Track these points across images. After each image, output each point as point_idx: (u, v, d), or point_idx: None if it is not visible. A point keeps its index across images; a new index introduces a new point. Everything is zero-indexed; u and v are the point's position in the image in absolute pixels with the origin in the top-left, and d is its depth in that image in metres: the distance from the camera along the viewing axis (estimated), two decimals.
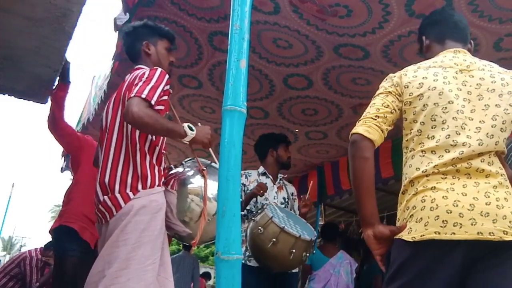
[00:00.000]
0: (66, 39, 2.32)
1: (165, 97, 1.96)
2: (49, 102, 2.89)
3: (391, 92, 1.53)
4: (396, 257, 1.38)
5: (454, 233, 1.26)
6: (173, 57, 2.23)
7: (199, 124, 2.01)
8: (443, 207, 1.30)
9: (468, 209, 1.28)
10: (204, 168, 2.06)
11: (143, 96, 1.79)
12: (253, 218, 2.75)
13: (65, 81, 2.78)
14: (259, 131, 4.63)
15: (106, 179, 1.88)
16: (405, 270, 1.34)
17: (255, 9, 2.71)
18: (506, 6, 2.56)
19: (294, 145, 4.92)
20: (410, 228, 1.34)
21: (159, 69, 1.95)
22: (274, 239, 2.51)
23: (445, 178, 1.35)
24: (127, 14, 2.65)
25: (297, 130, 4.58)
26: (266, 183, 3.09)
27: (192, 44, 3.23)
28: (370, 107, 1.52)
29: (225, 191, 1.63)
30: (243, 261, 2.87)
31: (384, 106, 1.50)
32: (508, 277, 1.28)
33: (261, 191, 2.89)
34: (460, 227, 1.26)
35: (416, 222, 1.33)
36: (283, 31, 2.98)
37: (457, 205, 1.29)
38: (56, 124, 2.83)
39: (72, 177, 3.02)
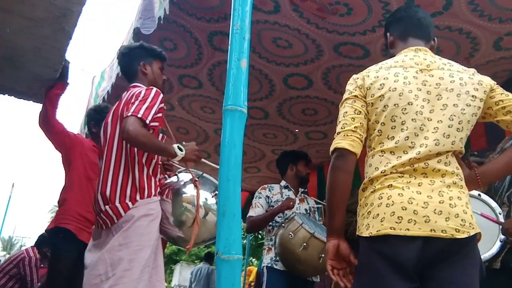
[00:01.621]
0: (66, 39, 2.32)
1: (160, 114, 2.10)
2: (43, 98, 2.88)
3: (357, 96, 1.53)
4: (359, 254, 1.42)
5: (408, 229, 1.30)
6: (165, 75, 2.39)
7: (184, 142, 2.13)
8: (399, 203, 1.33)
9: (422, 207, 1.32)
10: (197, 179, 2.19)
11: (139, 115, 1.93)
12: (283, 225, 2.89)
13: (63, 80, 2.78)
14: (259, 131, 4.64)
15: (107, 191, 2.01)
16: (365, 266, 1.38)
17: (255, 9, 2.71)
18: (506, 6, 2.56)
19: (294, 146, 4.92)
20: (368, 224, 1.38)
21: (154, 89, 2.09)
22: (304, 244, 2.65)
23: (402, 176, 1.39)
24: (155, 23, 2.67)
25: (297, 130, 4.58)
26: (288, 195, 3.24)
27: (192, 44, 3.23)
28: (344, 116, 1.51)
29: (225, 191, 1.63)
30: (269, 265, 3.03)
31: (357, 114, 1.50)
32: (462, 274, 1.32)
33: (291, 203, 3.05)
34: (414, 224, 1.30)
35: (373, 218, 1.36)
36: (283, 30, 2.98)
37: (411, 202, 1.33)
38: (47, 121, 2.85)
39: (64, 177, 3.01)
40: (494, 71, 3.23)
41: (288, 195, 3.23)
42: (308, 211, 3.29)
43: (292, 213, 3.00)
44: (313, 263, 2.67)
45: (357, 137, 1.46)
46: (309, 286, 3.09)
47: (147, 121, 1.94)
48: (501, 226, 2.10)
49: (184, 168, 2.32)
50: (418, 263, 1.31)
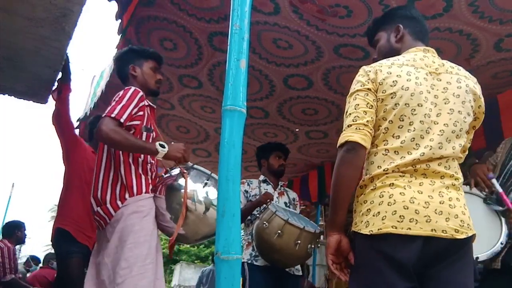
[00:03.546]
0: (66, 39, 2.32)
1: (141, 113, 2.11)
2: (51, 101, 2.94)
3: (370, 90, 1.50)
4: (356, 250, 1.42)
5: (410, 229, 1.31)
6: (159, 75, 2.37)
7: (173, 142, 2.15)
8: (400, 202, 1.34)
9: (424, 207, 1.33)
10: (185, 171, 2.19)
11: (113, 115, 1.96)
12: (258, 216, 2.85)
13: (66, 80, 2.81)
14: (259, 130, 4.64)
15: (99, 194, 2.07)
16: (363, 263, 1.38)
17: (255, 10, 2.71)
18: (506, 7, 2.56)
19: (294, 145, 4.92)
20: (368, 221, 1.37)
21: (132, 89, 2.10)
22: (279, 231, 2.59)
23: (403, 176, 1.39)
24: (119, 20, 2.68)
25: (297, 130, 4.58)
26: (267, 189, 3.21)
27: (192, 44, 3.23)
28: (355, 109, 1.48)
29: (225, 191, 1.62)
30: (249, 261, 2.94)
31: (369, 107, 1.47)
32: (460, 274, 1.33)
33: (268, 200, 2.99)
34: (416, 223, 1.31)
35: (374, 216, 1.36)
36: (283, 32, 2.98)
37: (413, 202, 1.33)
38: (60, 120, 2.91)
39: (63, 177, 3.06)
40: (495, 72, 3.23)
41: (267, 190, 3.20)
42: (288, 204, 3.24)
43: (269, 203, 2.95)
44: (290, 251, 2.60)
45: (369, 132, 1.44)
46: (293, 280, 3.05)
47: (122, 120, 1.96)
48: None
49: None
50: (417, 263, 1.31)
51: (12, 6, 2.06)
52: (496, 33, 2.80)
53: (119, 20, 2.72)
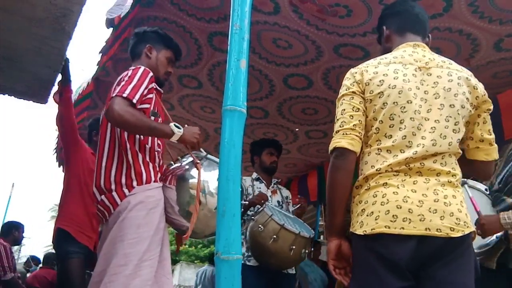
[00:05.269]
0: (66, 39, 2.31)
1: (150, 95, 1.98)
2: (51, 101, 2.94)
3: (355, 92, 1.50)
4: (353, 251, 1.43)
5: (403, 228, 1.30)
6: (171, 68, 2.26)
7: (186, 125, 2.02)
8: (393, 202, 1.33)
9: (417, 205, 1.32)
10: (198, 162, 2.04)
11: (124, 95, 1.82)
12: (252, 217, 2.81)
13: (66, 82, 2.81)
14: (259, 130, 4.64)
15: (102, 183, 1.93)
16: (360, 264, 1.39)
17: (255, 9, 2.71)
18: (506, 7, 2.56)
19: (294, 144, 4.92)
20: (362, 221, 1.37)
21: (142, 68, 1.97)
22: (274, 236, 2.57)
23: (397, 175, 1.39)
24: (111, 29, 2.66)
25: (297, 129, 4.59)
26: (260, 188, 3.18)
27: (192, 44, 3.23)
28: (342, 114, 1.48)
29: (225, 191, 1.63)
30: (242, 261, 2.92)
31: (355, 111, 1.47)
32: (457, 274, 1.32)
33: (262, 201, 2.97)
34: (409, 223, 1.30)
35: (368, 216, 1.36)
36: (283, 31, 2.98)
37: (406, 201, 1.33)
38: (64, 120, 2.91)
39: (63, 178, 3.07)
40: (495, 72, 3.24)
41: (260, 188, 3.17)
42: (281, 203, 3.22)
43: (263, 204, 2.92)
44: (285, 255, 2.60)
45: (356, 135, 1.45)
46: (287, 280, 3.03)
47: (134, 101, 1.83)
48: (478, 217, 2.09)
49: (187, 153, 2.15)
50: (412, 262, 1.31)
51: (12, 6, 2.06)
52: (496, 33, 2.80)
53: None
